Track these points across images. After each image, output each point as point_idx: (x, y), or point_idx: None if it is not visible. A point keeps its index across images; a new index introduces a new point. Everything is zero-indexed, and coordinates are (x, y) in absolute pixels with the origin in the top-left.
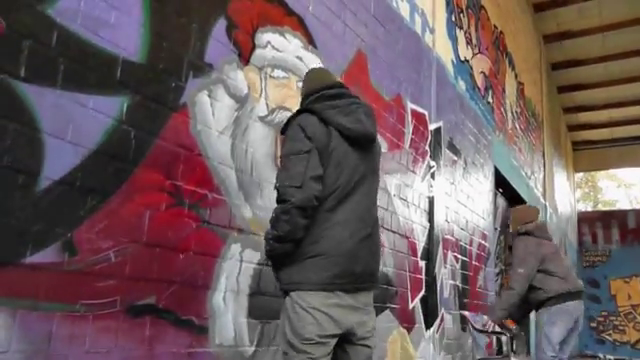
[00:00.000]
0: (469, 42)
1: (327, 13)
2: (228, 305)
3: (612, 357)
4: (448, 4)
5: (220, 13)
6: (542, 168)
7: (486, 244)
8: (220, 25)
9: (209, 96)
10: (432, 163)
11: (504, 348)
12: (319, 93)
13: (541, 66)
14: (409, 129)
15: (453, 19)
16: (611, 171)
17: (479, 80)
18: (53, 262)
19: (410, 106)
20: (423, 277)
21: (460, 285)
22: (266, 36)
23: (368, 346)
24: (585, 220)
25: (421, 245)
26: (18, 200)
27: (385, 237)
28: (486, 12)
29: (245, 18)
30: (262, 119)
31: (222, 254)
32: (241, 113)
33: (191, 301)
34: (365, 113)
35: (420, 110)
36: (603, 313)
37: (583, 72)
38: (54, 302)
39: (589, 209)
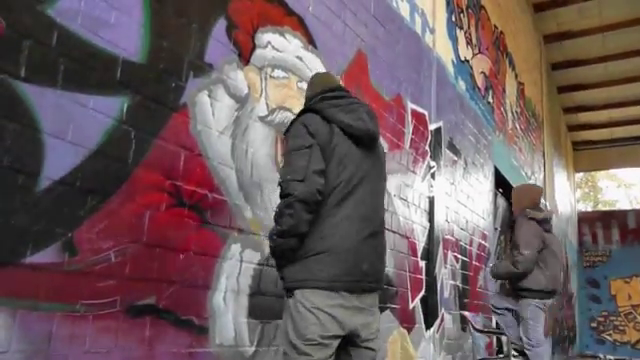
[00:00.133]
0: (469, 42)
1: (327, 13)
2: (228, 305)
3: (612, 357)
4: (448, 4)
5: (220, 13)
6: (542, 168)
7: (486, 244)
8: (220, 25)
9: (209, 96)
10: (432, 163)
11: (504, 348)
12: (320, 95)
13: (541, 66)
14: (409, 129)
15: (453, 19)
16: (611, 171)
17: (479, 80)
18: (53, 262)
19: (410, 106)
20: (423, 277)
21: (460, 285)
22: (266, 36)
23: (372, 349)
24: (585, 220)
25: (421, 245)
26: (18, 200)
27: (385, 237)
28: (486, 12)
29: (245, 18)
30: (262, 119)
31: (222, 254)
32: (241, 113)
33: (191, 301)
34: (366, 112)
35: (420, 110)
36: (603, 313)
37: (583, 72)
38: (54, 302)
39: (589, 209)
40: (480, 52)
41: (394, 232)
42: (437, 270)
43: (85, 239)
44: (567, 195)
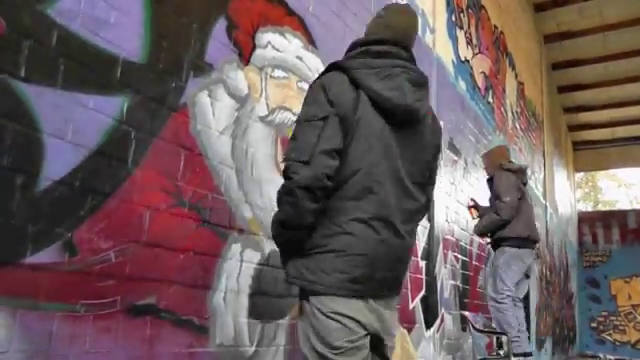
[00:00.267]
0: (469, 42)
1: (328, 13)
2: (228, 305)
3: (612, 357)
4: (448, 4)
5: (220, 13)
6: (542, 168)
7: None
8: (220, 25)
9: (209, 96)
10: None
11: (504, 348)
12: (364, 47)
13: (541, 66)
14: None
15: (453, 19)
16: (611, 171)
17: (479, 80)
18: (53, 262)
19: None
20: (423, 277)
21: (460, 285)
22: (266, 36)
23: (386, 357)
24: (585, 220)
25: (421, 245)
26: (18, 200)
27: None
28: (486, 12)
29: (245, 18)
30: (262, 119)
31: (222, 254)
32: (241, 113)
33: (191, 301)
34: (410, 80)
35: None
36: (603, 313)
37: (583, 72)
38: (54, 302)
39: (589, 209)
40: (480, 52)
41: None
42: (437, 270)
43: (85, 239)
44: (567, 195)
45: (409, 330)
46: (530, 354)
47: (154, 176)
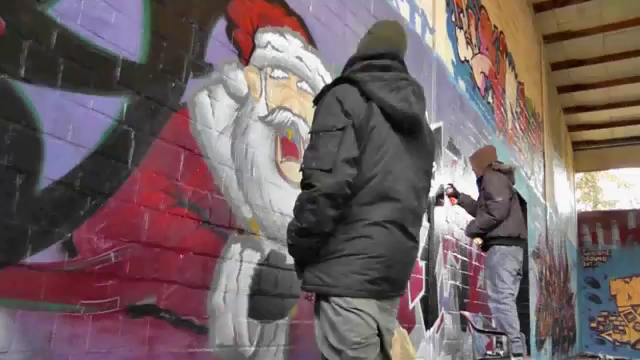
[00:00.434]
0: (469, 42)
1: (327, 13)
2: (228, 305)
3: (612, 357)
4: (448, 4)
5: (220, 13)
6: (542, 168)
7: None
8: (220, 25)
9: (209, 96)
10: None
11: (504, 348)
12: (367, 61)
13: (541, 66)
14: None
15: (453, 19)
16: (611, 171)
17: (479, 80)
18: (53, 262)
19: None
20: (423, 277)
21: (460, 285)
22: (266, 36)
23: (386, 353)
24: (585, 220)
25: (421, 245)
26: (18, 200)
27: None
28: (486, 12)
29: (245, 18)
30: (262, 119)
31: (222, 254)
32: (241, 113)
33: (191, 301)
34: (414, 93)
35: None
36: (603, 313)
37: (583, 72)
38: (54, 302)
39: (589, 209)
40: (480, 52)
41: None
42: (437, 270)
43: (85, 239)
44: (567, 195)
45: (409, 330)
46: (520, 354)
47: (154, 176)
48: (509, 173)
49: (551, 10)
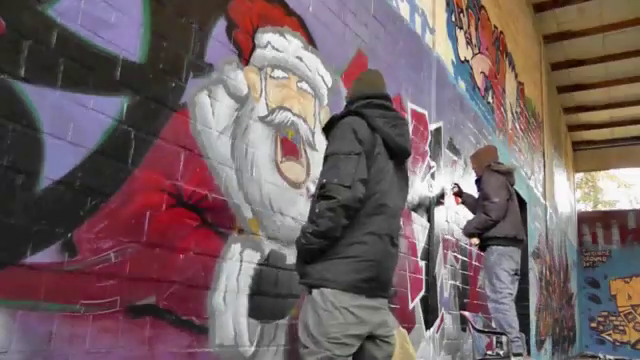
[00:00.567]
0: (469, 42)
1: (327, 13)
2: (228, 305)
3: (612, 357)
4: (448, 4)
5: (220, 13)
6: (542, 168)
7: None
8: (220, 25)
9: (209, 96)
10: (432, 163)
11: (504, 348)
12: (368, 100)
13: (541, 66)
14: (409, 129)
15: (453, 19)
16: (611, 171)
17: (479, 80)
18: (53, 262)
19: (410, 106)
20: (423, 277)
21: (460, 285)
22: (266, 36)
23: (390, 343)
24: (585, 220)
25: (421, 245)
26: (18, 200)
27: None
28: (486, 12)
29: (245, 18)
30: (262, 119)
31: (222, 254)
32: (241, 113)
33: (191, 301)
34: (407, 130)
35: (420, 110)
36: (603, 313)
37: (583, 72)
38: (54, 302)
39: (589, 209)
40: (480, 52)
41: None
42: (437, 270)
43: (85, 239)
44: (567, 195)
45: (409, 330)
46: (520, 354)
47: (154, 176)
48: (507, 174)
49: (551, 10)
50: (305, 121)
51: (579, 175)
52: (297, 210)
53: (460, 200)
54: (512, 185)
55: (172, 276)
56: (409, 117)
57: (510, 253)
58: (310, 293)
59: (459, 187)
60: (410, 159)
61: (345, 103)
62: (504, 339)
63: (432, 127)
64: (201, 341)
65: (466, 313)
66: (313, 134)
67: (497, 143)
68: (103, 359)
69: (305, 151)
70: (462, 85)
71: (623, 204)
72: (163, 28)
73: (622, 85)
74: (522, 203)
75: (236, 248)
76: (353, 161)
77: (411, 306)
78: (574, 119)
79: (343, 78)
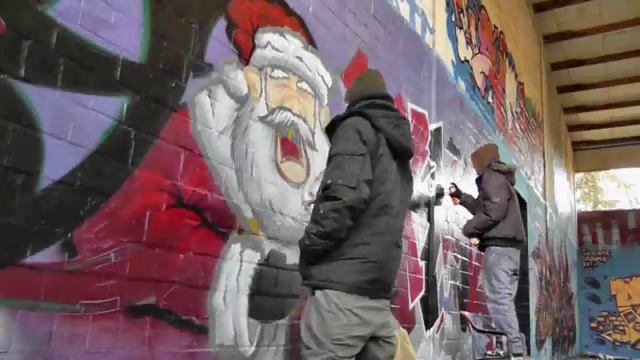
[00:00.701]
0: (469, 42)
1: (327, 13)
2: (228, 305)
3: (612, 357)
4: (448, 4)
5: (220, 13)
6: (542, 168)
7: None
8: (220, 25)
9: (209, 96)
10: (432, 163)
11: (504, 348)
12: (370, 100)
13: (541, 66)
14: (411, 129)
15: (453, 19)
16: (611, 171)
17: (479, 80)
18: (53, 262)
19: (410, 106)
20: (423, 277)
21: (460, 285)
22: (266, 36)
23: (391, 343)
24: (585, 220)
25: (421, 245)
26: (18, 200)
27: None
28: (486, 12)
29: (245, 18)
30: (262, 119)
31: (222, 254)
32: (241, 113)
33: (191, 301)
34: (409, 130)
35: (420, 110)
36: (603, 313)
37: (583, 72)
38: (54, 302)
39: (589, 209)
40: (480, 52)
41: None
42: (437, 270)
43: (85, 239)
44: (567, 195)
45: (409, 330)
46: (520, 354)
47: (154, 176)
48: (508, 174)
49: (551, 10)
50: (305, 121)
51: (579, 175)
52: (297, 210)
53: (458, 201)
54: (512, 185)
55: (172, 276)
56: (409, 117)
57: (509, 253)
58: (313, 294)
59: (456, 187)
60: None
61: (346, 104)
62: (504, 339)
63: (432, 127)
64: (201, 341)
65: (466, 313)
66: (313, 134)
67: (497, 143)
68: (103, 359)
69: (305, 151)
70: (462, 85)
71: (623, 204)
72: (163, 28)
73: (622, 85)
74: (522, 203)
75: (236, 248)
76: (358, 162)
77: (411, 306)
78: (574, 119)
79: (343, 78)
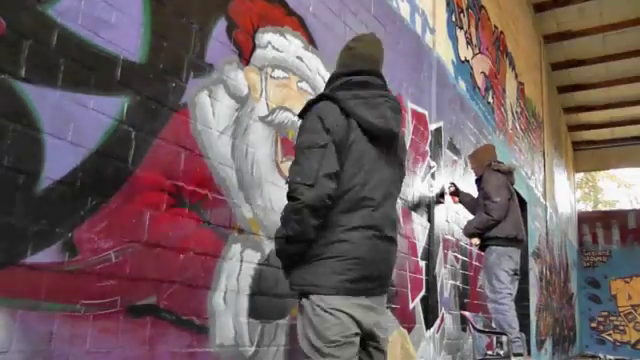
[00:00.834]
0: (469, 42)
1: (327, 13)
2: (228, 305)
3: (612, 357)
4: (448, 4)
5: (220, 13)
6: (542, 168)
7: None
8: (220, 25)
9: (209, 96)
10: (432, 163)
11: (504, 348)
12: (347, 77)
13: (541, 66)
14: (409, 129)
15: (453, 19)
16: (611, 171)
17: (479, 80)
18: (53, 262)
19: (410, 106)
20: (423, 277)
21: (460, 285)
22: (266, 36)
23: (382, 350)
24: (585, 220)
25: (421, 245)
26: (18, 200)
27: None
28: (486, 12)
29: (245, 18)
30: (262, 119)
31: (222, 254)
32: (241, 113)
33: (191, 301)
34: (391, 108)
35: (420, 110)
36: (603, 313)
37: (583, 72)
38: (54, 302)
39: (589, 209)
40: (480, 52)
41: None
42: (437, 270)
43: (85, 239)
44: (567, 195)
45: (409, 330)
46: (521, 354)
47: (154, 176)
48: (508, 174)
49: (551, 10)
50: None
51: (579, 175)
52: None
53: (457, 199)
54: (512, 185)
55: (172, 276)
56: (409, 117)
57: (509, 253)
58: (300, 300)
59: (456, 186)
60: (411, 159)
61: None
62: (504, 339)
63: (432, 127)
64: (201, 341)
65: (466, 313)
66: None
67: (497, 143)
68: (103, 359)
69: None
70: (462, 85)
71: (623, 204)
72: (163, 28)
73: (622, 85)
74: (522, 203)
75: (236, 248)
76: (317, 155)
77: (411, 306)
78: (574, 119)
79: None
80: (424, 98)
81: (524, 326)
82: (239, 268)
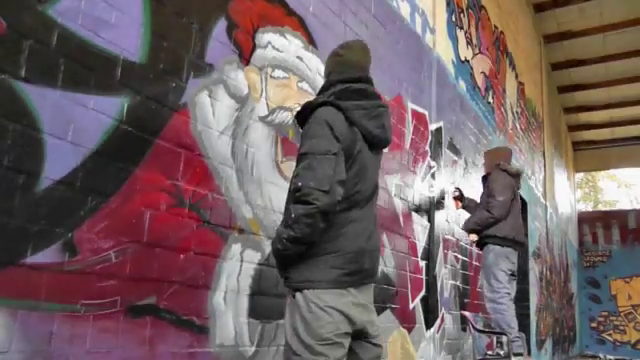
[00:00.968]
0: (469, 42)
1: (328, 13)
2: (228, 305)
3: (612, 357)
4: (448, 4)
5: (221, 13)
6: (542, 168)
7: None
8: (221, 25)
9: (210, 96)
10: (432, 163)
11: (504, 348)
12: (345, 85)
13: (541, 66)
14: (409, 129)
15: (453, 19)
16: (611, 171)
17: (479, 80)
18: (53, 262)
19: (410, 106)
20: (423, 277)
21: (460, 285)
22: (266, 36)
23: (379, 345)
24: (585, 220)
25: (421, 245)
26: (19, 200)
27: (385, 237)
28: (486, 12)
29: (246, 18)
30: (263, 119)
31: (222, 254)
32: (242, 113)
33: (191, 301)
34: (387, 119)
35: (420, 110)
36: (603, 313)
37: (583, 72)
38: (54, 302)
39: (589, 209)
40: (480, 52)
41: (394, 232)
42: (437, 270)
43: (85, 239)
44: (567, 195)
45: (409, 330)
46: (521, 354)
47: (154, 176)
48: (516, 176)
49: (551, 10)
50: None
51: (579, 175)
52: None
53: (460, 205)
54: (518, 189)
55: (172, 276)
56: (409, 117)
57: (507, 254)
58: (294, 297)
59: (460, 191)
60: (410, 159)
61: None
62: (504, 339)
63: (432, 127)
64: (201, 341)
65: (466, 313)
66: None
67: (497, 143)
68: (103, 359)
69: None
70: (462, 85)
71: (623, 204)
72: (163, 28)
73: (622, 85)
74: (522, 203)
75: (236, 248)
76: (331, 162)
77: (411, 306)
78: (574, 119)
79: None
80: (424, 98)
81: (524, 326)
82: (239, 268)
